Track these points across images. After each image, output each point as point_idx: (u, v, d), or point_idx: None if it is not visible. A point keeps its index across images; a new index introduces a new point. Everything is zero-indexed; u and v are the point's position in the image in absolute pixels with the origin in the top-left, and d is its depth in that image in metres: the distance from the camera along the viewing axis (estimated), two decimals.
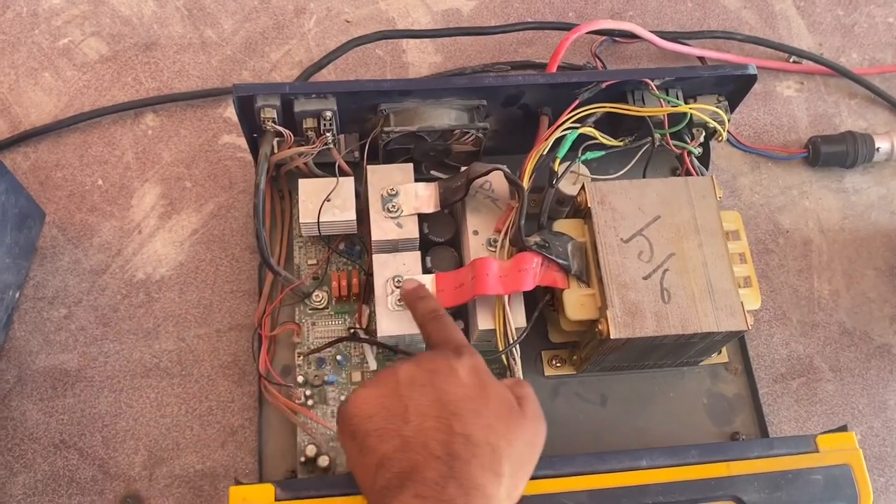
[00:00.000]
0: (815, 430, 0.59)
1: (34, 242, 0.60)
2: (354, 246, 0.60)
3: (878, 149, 0.67)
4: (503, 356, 0.53)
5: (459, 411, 0.39)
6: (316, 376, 0.56)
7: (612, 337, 0.49)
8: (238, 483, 0.43)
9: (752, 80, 0.57)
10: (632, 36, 0.69)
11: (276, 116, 0.54)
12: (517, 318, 0.53)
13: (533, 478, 0.45)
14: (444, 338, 0.45)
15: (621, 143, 0.58)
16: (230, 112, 0.67)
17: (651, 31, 0.68)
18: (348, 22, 0.72)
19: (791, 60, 0.73)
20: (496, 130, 0.61)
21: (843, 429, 0.48)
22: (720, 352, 0.60)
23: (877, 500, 0.58)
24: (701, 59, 0.71)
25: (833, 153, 0.67)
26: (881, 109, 0.72)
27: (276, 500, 0.43)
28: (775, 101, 0.72)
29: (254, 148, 0.58)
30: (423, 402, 0.39)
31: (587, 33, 0.67)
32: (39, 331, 0.59)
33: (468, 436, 0.38)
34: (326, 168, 0.57)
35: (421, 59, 0.71)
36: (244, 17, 0.71)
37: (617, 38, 0.72)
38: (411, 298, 0.49)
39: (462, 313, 0.57)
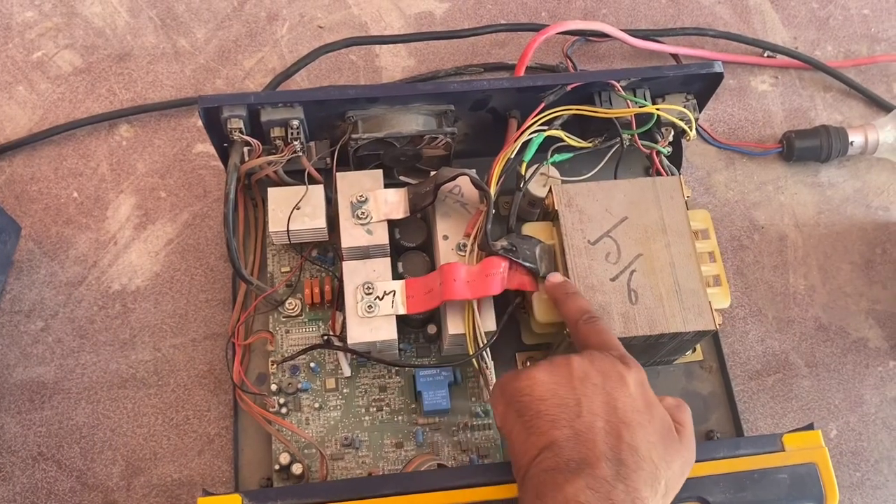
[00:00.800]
0: (790, 427, 0.60)
1: (10, 256, 0.61)
2: (327, 253, 0.60)
3: (851, 142, 0.67)
4: (474, 360, 0.53)
5: (628, 421, 0.40)
6: (290, 384, 0.56)
7: None
8: (206, 494, 0.44)
9: (718, 77, 0.57)
10: (604, 35, 0.68)
11: (243, 127, 0.54)
12: (487, 322, 0.53)
13: (507, 481, 0.45)
14: (604, 343, 0.45)
15: (590, 145, 0.58)
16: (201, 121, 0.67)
17: (624, 30, 0.68)
18: (321, 28, 0.72)
19: (765, 55, 0.73)
20: (466, 134, 0.61)
21: (810, 427, 0.48)
22: (695, 350, 0.60)
23: (852, 496, 0.58)
24: (675, 56, 0.71)
25: (807, 148, 0.67)
26: (856, 102, 0.72)
27: None
28: (750, 97, 0.71)
29: (224, 157, 0.58)
30: (595, 401, 0.40)
31: (560, 33, 0.67)
32: (16, 344, 0.59)
33: (635, 447, 0.39)
34: (298, 175, 0.58)
35: (394, 63, 0.71)
36: (217, 26, 0.72)
37: (590, 38, 0.72)
38: (559, 293, 0.49)
39: (434, 318, 0.57)
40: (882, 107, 0.71)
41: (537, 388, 0.41)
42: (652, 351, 0.55)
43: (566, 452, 0.39)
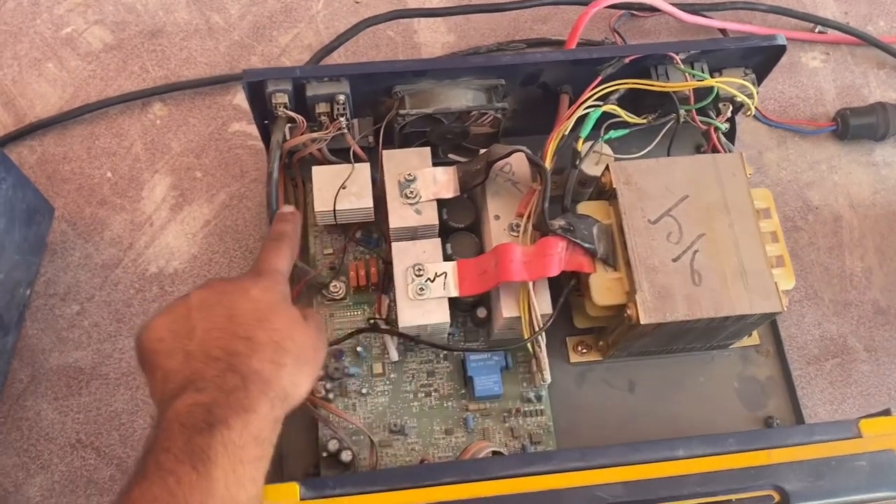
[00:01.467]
0: (850, 413, 0.58)
1: (44, 238, 0.59)
2: (372, 234, 0.58)
3: None
4: (528, 344, 0.51)
5: (244, 320, 0.40)
6: (336, 369, 0.54)
7: (641, 322, 0.48)
8: None
9: (780, 51, 0.55)
10: (651, 9, 0.66)
11: (287, 102, 0.52)
12: (542, 305, 0.51)
13: (566, 470, 0.43)
14: (261, 259, 0.46)
15: (645, 121, 0.56)
16: (239, 99, 0.65)
17: (671, 4, 0.66)
18: (357, 2, 0.70)
19: (816, 30, 0.70)
20: (515, 110, 0.59)
21: (887, 412, 0.46)
22: (751, 334, 0.58)
23: None
24: (722, 31, 0.69)
25: (862, 125, 0.65)
26: None
27: (301, 499, 0.42)
28: (801, 73, 0.69)
29: (265, 135, 0.56)
30: (211, 318, 0.41)
31: (605, 7, 0.65)
32: (52, 328, 0.58)
33: (250, 337, 0.40)
34: (341, 154, 0.56)
35: (434, 39, 0.69)
36: (251, 1, 0.69)
37: (635, 12, 0.69)
38: (276, 219, 0.50)
39: (485, 300, 0.55)
40: None
41: (154, 332, 0.41)
42: (712, 334, 0.53)
43: (178, 376, 0.39)
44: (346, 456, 0.52)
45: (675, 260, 0.50)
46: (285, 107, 0.52)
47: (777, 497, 0.44)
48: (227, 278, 0.45)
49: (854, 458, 0.44)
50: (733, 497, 0.43)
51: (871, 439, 0.44)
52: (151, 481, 0.35)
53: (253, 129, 0.63)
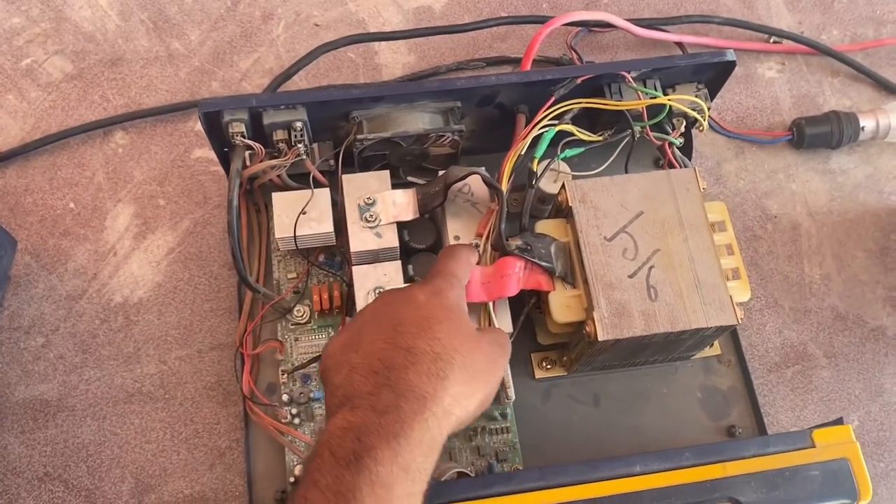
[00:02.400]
0: (811, 419, 0.59)
1: (6, 271, 0.59)
2: (335, 257, 0.59)
3: (863, 128, 0.66)
4: None
5: (406, 329, 0.39)
6: (301, 393, 0.55)
7: (599, 339, 0.48)
8: None
9: (730, 66, 0.56)
10: (608, 25, 0.67)
11: (245, 130, 0.53)
12: (503, 324, 0.52)
13: (523, 490, 0.44)
14: (435, 265, 0.45)
15: (601, 138, 0.56)
16: (202, 128, 0.65)
17: (628, 19, 0.67)
18: (317, 25, 0.70)
19: (771, 41, 0.72)
20: (473, 130, 0.59)
21: (839, 421, 0.47)
22: (712, 344, 0.59)
23: (877, 486, 0.57)
24: (679, 44, 0.70)
25: (818, 134, 0.66)
26: (864, 86, 0.71)
27: None
28: (757, 84, 0.70)
29: (225, 162, 0.56)
30: (377, 329, 0.39)
31: (563, 25, 0.65)
32: (17, 361, 0.57)
33: (410, 347, 0.38)
34: (301, 179, 0.56)
35: (394, 60, 0.69)
36: (211, 27, 0.70)
37: (593, 28, 0.70)
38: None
39: None
40: (890, 90, 0.70)
41: (331, 348, 0.41)
42: (672, 347, 0.53)
43: (341, 391, 0.38)
44: None
45: (631, 276, 0.50)
46: (243, 135, 0.53)
47: None
48: (400, 287, 0.43)
49: (808, 468, 0.44)
50: None
51: (824, 449, 0.45)
52: None
53: (215, 155, 0.63)
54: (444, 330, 0.39)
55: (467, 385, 0.38)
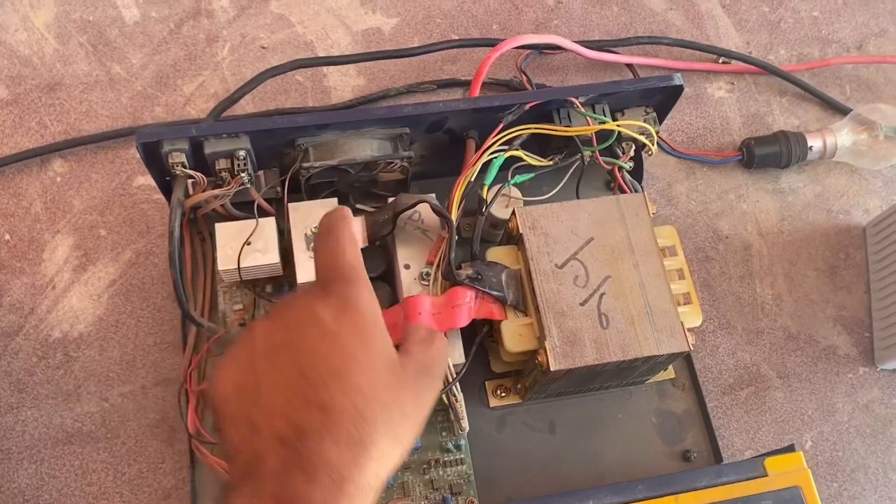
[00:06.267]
0: (766, 441, 0.59)
1: None
2: (282, 287, 0.57)
3: (811, 147, 0.66)
4: (443, 395, 0.51)
5: (318, 376, 0.32)
6: None
7: (551, 369, 0.48)
8: None
9: (678, 90, 0.56)
10: (557, 48, 0.67)
11: (185, 160, 0.51)
12: (455, 355, 0.51)
13: None
14: (323, 263, 0.36)
15: (551, 163, 0.56)
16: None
17: (577, 41, 0.67)
18: (264, 48, 0.69)
19: (720, 61, 0.72)
20: (423, 156, 0.59)
21: (791, 448, 0.47)
22: (667, 368, 0.59)
23: None
24: (630, 66, 0.70)
25: (767, 154, 0.66)
26: (811, 105, 0.71)
27: None
28: (707, 104, 0.71)
29: (166, 192, 0.55)
30: (278, 372, 0.32)
31: (514, 48, 0.65)
32: None
33: (325, 405, 0.31)
34: (246, 207, 0.55)
35: (343, 83, 0.68)
36: (153, 50, 0.68)
37: (543, 51, 0.70)
38: (321, 220, 0.39)
39: None
40: (837, 109, 0.71)
41: (220, 386, 0.33)
42: (625, 374, 0.53)
43: (240, 458, 0.31)
44: None
45: (582, 304, 0.50)
46: (183, 165, 0.51)
47: None
48: (294, 298, 0.35)
49: (760, 498, 0.44)
50: None
51: (776, 477, 0.45)
52: None
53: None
54: (363, 372, 0.32)
55: (392, 440, 0.32)
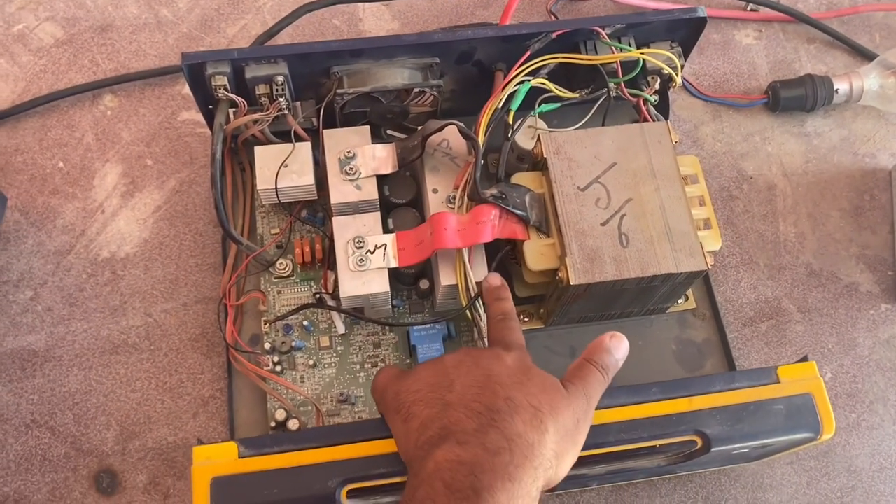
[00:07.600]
0: None
1: None
2: (317, 213, 0.60)
3: (836, 90, 0.67)
4: (467, 311, 0.53)
5: (502, 381, 0.40)
6: (283, 343, 0.56)
7: (571, 283, 0.49)
8: (201, 443, 0.43)
9: (702, 23, 0.57)
10: None
11: (227, 84, 0.54)
12: (479, 272, 0.53)
13: None
14: (501, 337, 0.46)
15: (577, 95, 0.58)
16: (188, 89, 0.66)
17: None
18: None
19: (749, 8, 0.73)
20: (453, 90, 0.61)
21: (805, 359, 0.48)
22: (687, 298, 0.60)
23: (848, 437, 0.58)
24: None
25: (793, 97, 0.67)
26: (840, 53, 0.72)
27: (240, 457, 0.43)
28: (734, 50, 0.72)
29: (210, 120, 0.58)
30: (469, 376, 0.41)
31: None
32: (5, 314, 0.59)
33: (510, 397, 0.39)
34: (284, 136, 0.57)
35: (378, 27, 0.71)
36: None
37: None
38: (490, 298, 0.49)
39: (426, 273, 0.57)
40: (865, 56, 0.71)
41: (412, 384, 0.42)
42: (645, 297, 0.55)
43: (437, 423, 0.39)
44: (293, 424, 0.53)
45: (603, 224, 0.51)
46: (225, 89, 0.54)
47: (699, 441, 0.45)
48: (478, 348, 0.45)
49: (772, 403, 0.45)
50: (657, 443, 0.45)
51: (788, 384, 0.46)
52: None
53: (201, 118, 0.64)
54: (537, 386, 0.41)
55: (561, 443, 0.40)
